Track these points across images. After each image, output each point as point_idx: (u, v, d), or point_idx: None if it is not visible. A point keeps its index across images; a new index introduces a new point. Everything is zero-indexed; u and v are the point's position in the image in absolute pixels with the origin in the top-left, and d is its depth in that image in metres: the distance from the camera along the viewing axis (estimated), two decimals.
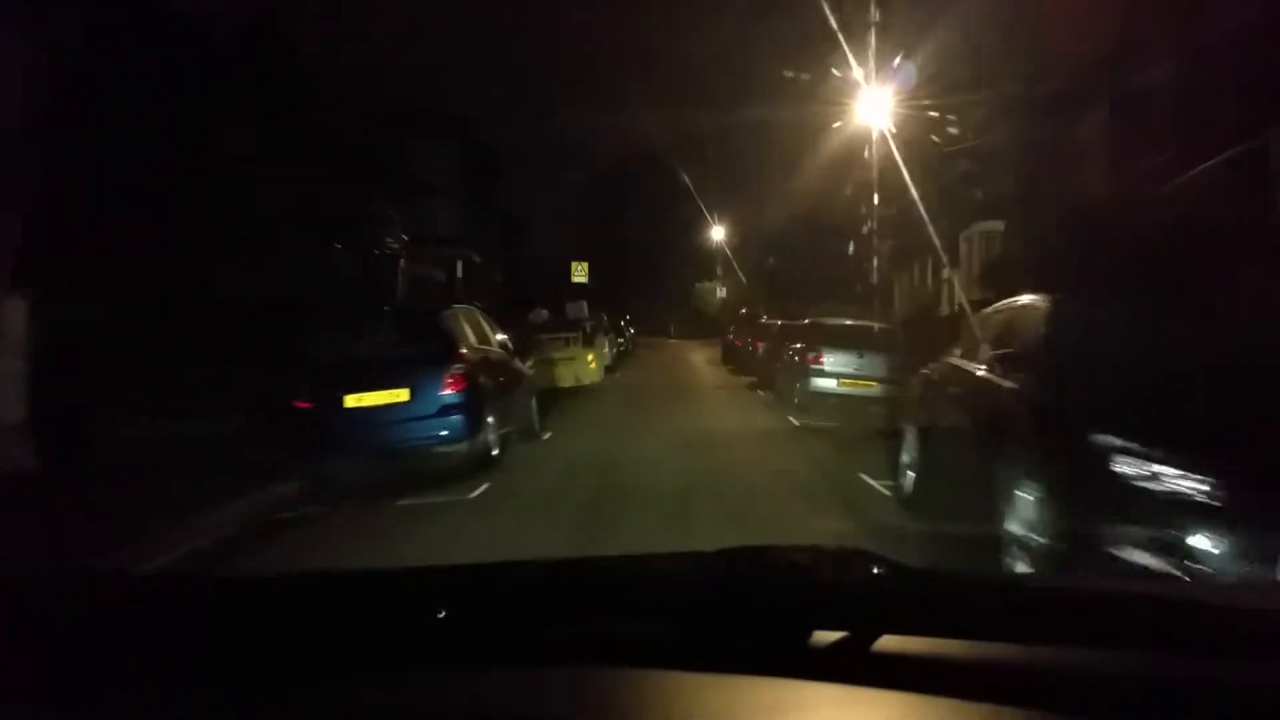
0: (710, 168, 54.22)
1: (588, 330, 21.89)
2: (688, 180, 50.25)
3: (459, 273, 39.61)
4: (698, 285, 61.08)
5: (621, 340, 35.18)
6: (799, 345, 16.13)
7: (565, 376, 21.26)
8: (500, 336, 11.25)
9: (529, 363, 21.43)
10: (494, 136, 45.35)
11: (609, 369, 25.70)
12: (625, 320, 39.66)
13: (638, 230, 67.81)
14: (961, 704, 1.14)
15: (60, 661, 1.26)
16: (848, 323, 16.19)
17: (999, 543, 4.53)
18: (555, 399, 17.90)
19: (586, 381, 21.53)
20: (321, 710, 1.21)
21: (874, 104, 26.10)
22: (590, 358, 21.47)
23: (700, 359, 34.60)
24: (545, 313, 22.62)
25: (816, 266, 37.95)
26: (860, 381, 14.80)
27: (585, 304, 23.19)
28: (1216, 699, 1.15)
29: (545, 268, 49.59)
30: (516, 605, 1.42)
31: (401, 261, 32.37)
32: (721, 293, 55.45)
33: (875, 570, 1.44)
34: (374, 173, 25.26)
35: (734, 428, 13.45)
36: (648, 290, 65.94)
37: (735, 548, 1.46)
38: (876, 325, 16.56)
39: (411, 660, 1.29)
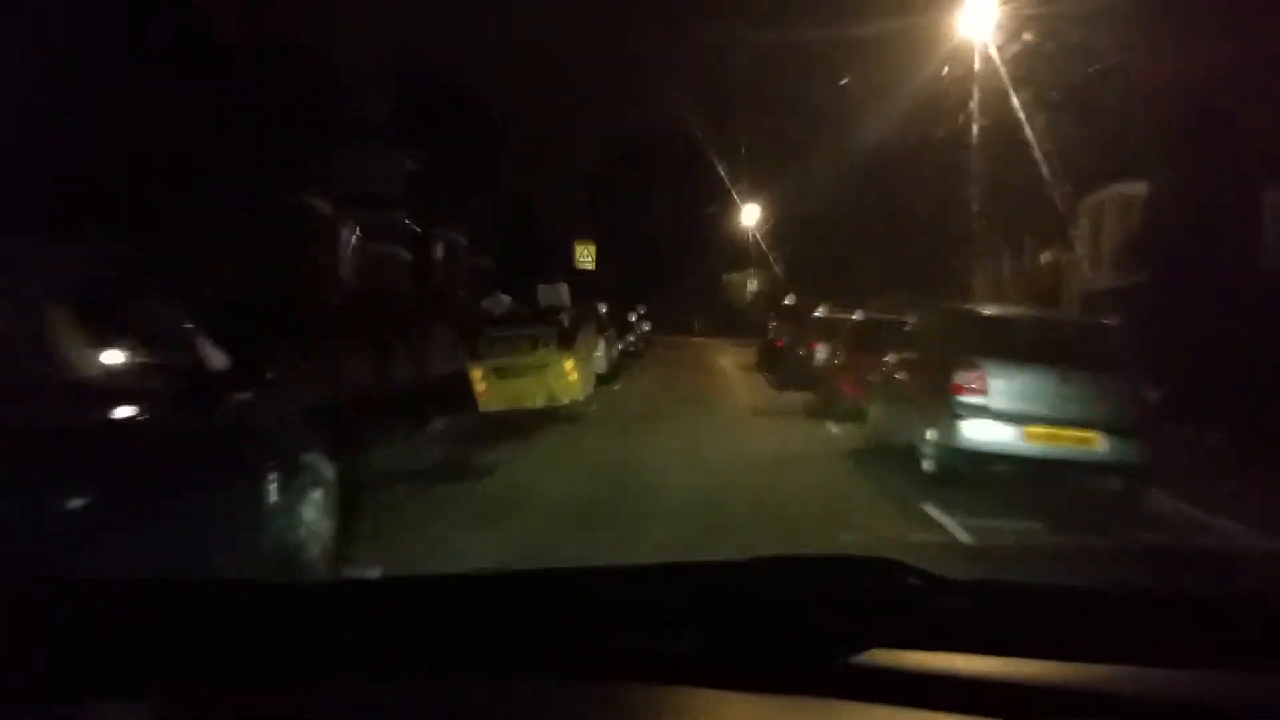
0: (744, 142, 46.43)
1: (566, 325, 14.36)
2: (716, 161, 42.24)
3: (437, 254, 32.27)
4: (725, 277, 53.31)
5: (631, 338, 27.64)
6: (925, 358, 8.52)
7: (531, 394, 13.89)
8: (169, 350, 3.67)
9: (478, 374, 14.09)
10: (502, 114, 38.54)
11: (604, 379, 18.17)
12: (638, 314, 31.99)
13: (660, 217, 60.86)
14: None
15: (60, 661, 1.24)
16: (1024, 313, 8.43)
17: None
18: (488, 437, 10.57)
19: (564, 400, 14.14)
20: (329, 712, 1.18)
21: (976, 12, 18.45)
22: (569, 366, 13.96)
23: (730, 364, 26.87)
24: (507, 299, 15.12)
25: (881, 247, 30.45)
26: (1068, 431, 7.11)
27: (565, 288, 15.57)
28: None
29: (553, 255, 42.54)
30: (534, 615, 1.35)
31: (353, 236, 24.94)
32: (753, 284, 47.88)
33: (911, 582, 1.34)
34: (287, 114, 17.86)
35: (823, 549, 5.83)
36: (670, 282, 59.52)
37: (764, 557, 1.39)
38: (1081, 319, 8.69)
39: (424, 668, 1.25)
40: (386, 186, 21.40)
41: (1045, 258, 25.07)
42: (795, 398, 16.27)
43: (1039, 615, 1.36)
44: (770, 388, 19.05)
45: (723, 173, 42.33)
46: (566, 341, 14.29)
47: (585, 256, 33.62)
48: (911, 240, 30.90)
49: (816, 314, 19.14)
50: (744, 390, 18.70)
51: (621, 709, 1.18)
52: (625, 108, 67.26)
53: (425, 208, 29.45)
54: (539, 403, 13.95)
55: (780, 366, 20.55)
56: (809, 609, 1.28)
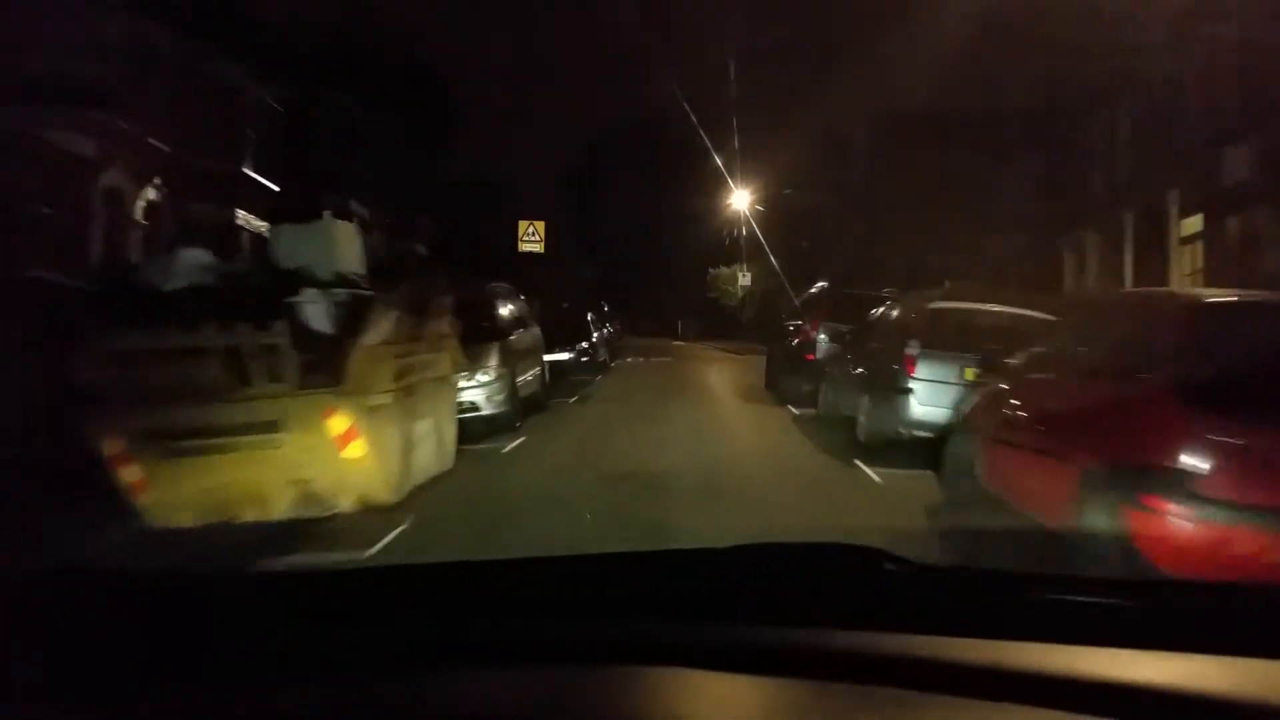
0: (738, 106, 37.55)
1: (329, 321, 5.30)
2: (705, 136, 32.99)
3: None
4: (713, 271, 44.39)
5: (584, 345, 18.64)
6: None
7: (247, 493, 4.95)
8: None
9: (117, 448, 5.02)
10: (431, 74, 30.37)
11: (497, 423, 9.25)
12: (599, 313, 22.99)
13: (639, 205, 52.83)
14: (981, 705, 1.05)
15: (60, 661, 1.19)
16: None
17: None
18: None
19: (341, 505, 5.33)
20: (334, 708, 1.12)
21: None
22: (341, 424, 5.02)
23: (725, 384, 17.67)
24: (201, 256, 5.96)
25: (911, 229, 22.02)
26: None
27: (350, 229, 6.45)
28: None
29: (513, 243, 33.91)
30: (516, 603, 1.32)
31: (149, 190, 15.76)
32: (745, 279, 38.95)
33: (888, 568, 1.33)
34: None
35: None
36: (649, 277, 51.58)
37: (749, 545, 1.37)
38: None
39: (409, 660, 1.20)
40: (103, 65, 11.87)
41: (1190, 226, 16.27)
42: (879, 488, 7.28)
43: (1016, 599, 1.34)
44: (805, 438, 10.01)
45: (712, 150, 33.24)
46: (330, 362, 5.34)
47: (531, 236, 24.47)
48: (948, 218, 22.64)
49: (925, 303, 10.14)
50: (760, 455, 9.43)
51: (608, 691, 1.13)
52: (601, 84, 59.25)
53: (301, 167, 20.69)
54: (274, 512, 5.11)
55: (817, 394, 11.57)
56: (790, 594, 1.26)
